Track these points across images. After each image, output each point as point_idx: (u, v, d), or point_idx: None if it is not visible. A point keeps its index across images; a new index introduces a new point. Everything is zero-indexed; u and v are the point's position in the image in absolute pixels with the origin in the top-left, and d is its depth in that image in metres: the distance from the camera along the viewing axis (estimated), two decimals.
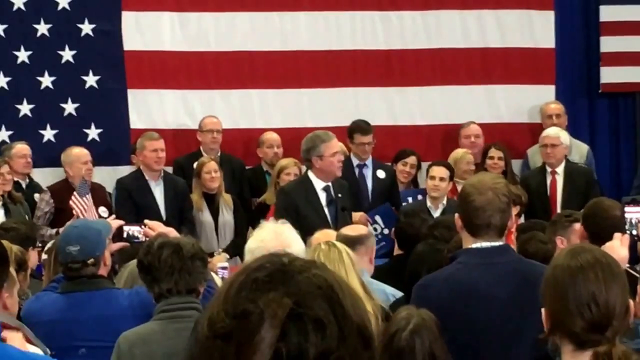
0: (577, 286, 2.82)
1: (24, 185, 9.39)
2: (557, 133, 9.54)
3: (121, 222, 5.72)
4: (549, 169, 9.47)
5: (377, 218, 8.68)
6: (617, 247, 3.97)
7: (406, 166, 9.93)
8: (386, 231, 8.46)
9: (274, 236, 4.06)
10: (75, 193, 8.25)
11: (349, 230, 5.78)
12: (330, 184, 7.88)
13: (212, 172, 9.11)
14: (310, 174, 7.90)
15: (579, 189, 8.87)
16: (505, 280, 4.03)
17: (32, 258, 6.09)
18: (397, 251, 6.98)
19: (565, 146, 9.52)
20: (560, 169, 9.45)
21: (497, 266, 4.06)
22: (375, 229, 8.39)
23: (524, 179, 9.64)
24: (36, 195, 9.26)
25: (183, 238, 4.64)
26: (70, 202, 8.11)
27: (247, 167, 10.13)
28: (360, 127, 9.67)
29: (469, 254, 4.10)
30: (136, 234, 5.69)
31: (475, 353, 4.01)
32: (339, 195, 7.85)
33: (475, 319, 4.01)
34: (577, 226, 5.83)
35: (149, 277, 4.48)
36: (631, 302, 2.87)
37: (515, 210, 8.00)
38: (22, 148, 9.38)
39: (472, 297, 4.03)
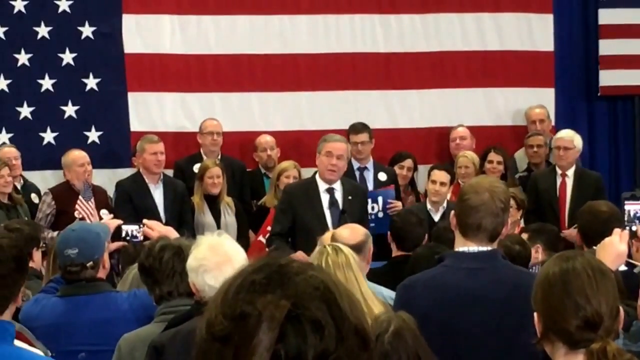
0: (570, 287, 2.86)
1: (18, 187, 9.39)
2: (571, 136, 9.51)
3: (119, 221, 5.73)
4: (559, 171, 9.46)
5: (379, 199, 8.61)
6: (616, 243, 3.97)
7: (403, 169, 9.93)
8: (380, 214, 8.43)
9: (212, 252, 3.98)
10: (80, 197, 8.26)
11: (347, 237, 5.65)
12: (335, 186, 7.90)
13: (214, 178, 9.10)
14: (317, 175, 7.97)
15: (587, 194, 8.85)
16: (488, 286, 3.96)
17: (36, 258, 6.10)
18: (395, 252, 6.95)
19: (577, 150, 9.50)
20: (570, 172, 9.43)
21: (481, 272, 4.00)
22: (372, 208, 8.38)
23: (534, 179, 9.63)
24: (32, 196, 9.27)
25: (184, 240, 4.64)
26: (77, 206, 8.12)
27: (247, 170, 10.14)
28: (353, 127, 9.77)
29: (455, 257, 4.06)
30: (135, 233, 5.69)
31: (451, 358, 3.97)
32: (349, 197, 7.86)
33: (456, 323, 3.96)
34: None
35: (150, 279, 4.49)
36: (621, 308, 2.92)
37: (517, 214, 8.05)
38: (7, 152, 9.31)
39: (452, 302, 3.97)
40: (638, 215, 5.14)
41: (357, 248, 5.57)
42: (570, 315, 2.82)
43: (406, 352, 3.56)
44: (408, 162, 10.01)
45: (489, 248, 4.04)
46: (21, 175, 9.53)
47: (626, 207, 5.09)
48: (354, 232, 5.81)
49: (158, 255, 4.43)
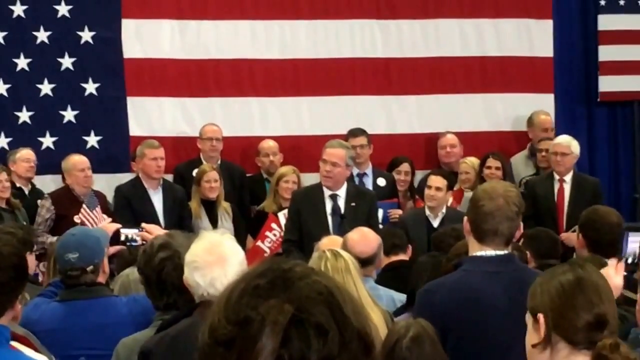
0: (585, 287, 2.92)
1: (26, 191, 9.42)
2: (568, 142, 9.52)
3: (118, 225, 5.72)
4: (556, 177, 9.47)
5: (380, 212, 8.65)
6: (612, 275, 3.98)
7: (400, 174, 9.92)
8: (380, 227, 8.44)
9: (207, 251, 3.93)
10: (84, 205, 8.25)
11: (359, 250, 5.58)
12: (339, 192, 7.92)
13: (211, 182, 9.11)
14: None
15: (585, 199, 8.86)
16: (509, 289, 4.05)
17: (29, 263, 6.07)
18: (385, 260, 6.92)
19: (575, 155, 9.52)
20: (568, 178, 9.44)
21: (502, 275, 4.08)
22: None
23: (531, 185, 9.64)
24: (39, 201, 9.27)
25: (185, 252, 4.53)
26: (80, 215, 8.09)
27: (247, 175, 10.14)
28: (351, 131, 9.81)
29: (474, 262, 4.13)
30: (134, 237, 5.67)
31: (477, 357, 4.03)
32: (352, 203, 7.87)
33: (479, 326, 4.04)
34: None
35: (149, 290, 4.46)
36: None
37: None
38: (26, 153, 9.48)
39: (476, 305, 4.05)
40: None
41: (369, 260, 5.59)
42: (583, 310, 2.87)
43: (424, 358, 3.57)
44: (405, 167, 9.99)
45: (506, 252, 4.13)
46: (30, 180, 9.56)
47: (630, 239, 5.11)
48: (366, 241, 5.78)
49: (157, 267, 4.39)
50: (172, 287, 4.32)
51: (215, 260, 3.91)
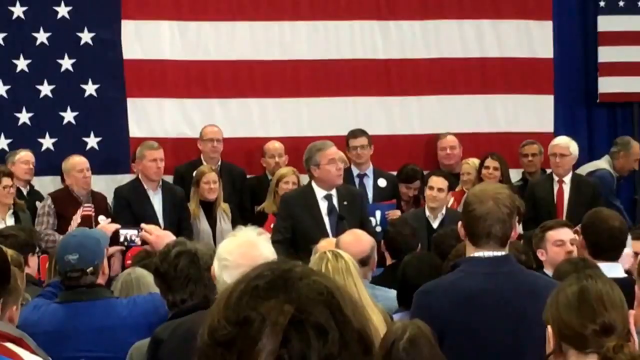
0: (589, 297, 2.95)
1: (25, 193, 9.43)
2: (567, 143, 9.54)
3: (117, 225, 5.71)
4: (556, 178, 9.48)
5: (377, 213, 8.65)
6: None
7: (410, 190, 9.81)
8: (378, 229, 8.42)
9: (242, 252, 3.75)
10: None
11: (353, 252, 5.63)
12: (332, 192, 7.90)
13: (210, 183, 9.11)
14: (313, 183, 7.96)
15: (585, 200, 8.87)
16: (506, 290, 4.05)
17: (32, 264, 6.07)
18: (389, 261, 6.93)
19: (574, 157, 9.53)
20: (567, 179, 9.45)
21: (499, 276, 4.08)
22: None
23: (531, 186, 9.64)
24: (37, 203, 9.28)
25: (201, 248, 4.52)
26: (75, 216, 8.10)
27: (250, 176, 10.14)
28: (351, 132, 9.80)
29: (471, 263, 4.12)
30: (133, 238, 5.67)
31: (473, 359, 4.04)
32: (345, 202, 7.86)
33: (476, 327, 4.03)
34: (550, 234, 5.97)
35: (164, 285, 4.44)
36: (635, 335, 3.03)
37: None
38: (25, 155, 9.47)
39: (472, 306, 4.04)
40: None
41: (363, 262, 5.60)
42: (587, 320, 2.89)
43: (421, 359, 3.57)
44: (416, 184, 9.79)
45: (502, 253, 4.12)
46: (28, 182, 9.56)
47: None
48: (359, 243, 5.79)
49: (173, 262, 4.37)
50: (187, 280, 4.31)
51: (247, 264, 3.82)
